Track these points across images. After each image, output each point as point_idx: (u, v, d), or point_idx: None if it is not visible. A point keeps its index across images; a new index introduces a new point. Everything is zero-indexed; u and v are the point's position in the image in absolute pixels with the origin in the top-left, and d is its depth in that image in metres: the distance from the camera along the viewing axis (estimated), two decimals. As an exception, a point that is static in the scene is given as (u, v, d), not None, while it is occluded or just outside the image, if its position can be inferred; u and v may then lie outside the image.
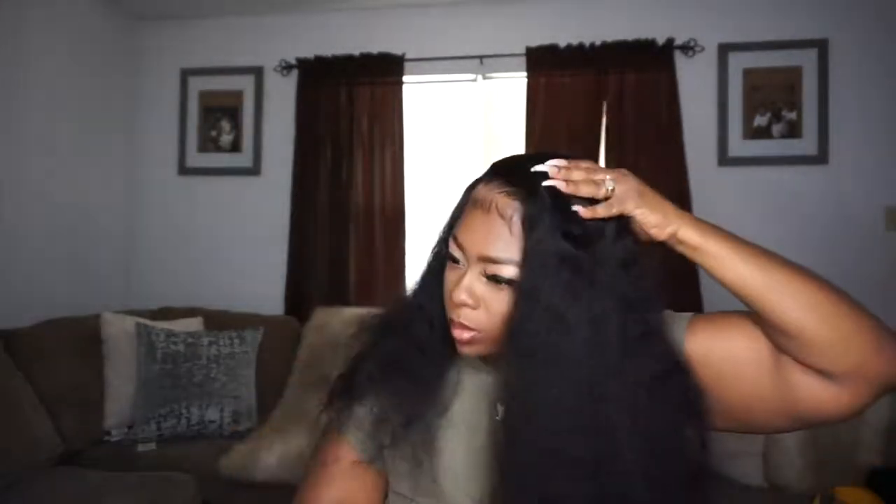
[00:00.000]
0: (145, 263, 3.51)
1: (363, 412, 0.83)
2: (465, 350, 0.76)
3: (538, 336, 0.67)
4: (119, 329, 2.77)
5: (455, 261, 0.75)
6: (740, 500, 2.21)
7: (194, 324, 2.99)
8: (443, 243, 0.81)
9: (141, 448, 2.55)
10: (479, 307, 0.73)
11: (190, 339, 2.77)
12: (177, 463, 2.41)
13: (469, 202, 0.76)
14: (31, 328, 2.60)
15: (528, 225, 0.69)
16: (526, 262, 0.69)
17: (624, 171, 0.71)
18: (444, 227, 0.82)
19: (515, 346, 0.69)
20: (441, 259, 0.80)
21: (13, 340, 2.48)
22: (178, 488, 2.24)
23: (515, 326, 0.70)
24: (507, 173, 0.73)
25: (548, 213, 0.69)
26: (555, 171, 0.70)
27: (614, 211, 0.69)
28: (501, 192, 0.72)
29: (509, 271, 0.70)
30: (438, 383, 0.82)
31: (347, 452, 0.84)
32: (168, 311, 3.13)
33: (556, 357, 0.67)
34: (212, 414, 2.68)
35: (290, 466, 2.34)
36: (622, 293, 0.68)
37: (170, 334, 2.76)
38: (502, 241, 0.70)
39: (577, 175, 0.69)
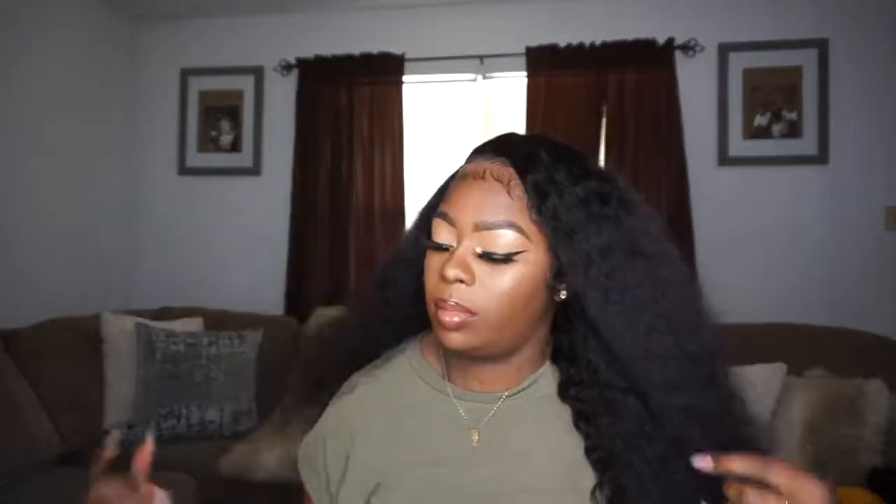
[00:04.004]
0: (145, 263, 3.51)
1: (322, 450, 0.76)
2: (454, 339, 0.66)
3: (608, 278, 0.65)
4: (119, 329, 2.77)
5: (440, 248, 0.68)
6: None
7: (194, 324, 2.99)
8: (417, 235, 0.75)
9: (141, 448, 2.54)
10: (474, 284, 0.65)
11: (190, 339, 2.76)
12: (177, 463, 2.40)
13: (455, 180, 0.71)
14: (31, 328, 2.60)
15: (539, 190, 0.65)
16: (556, 225, 0.65)
17: (812, 488, 0.56)
18: (417, 223, 0.77)
19: (590, 299, 0.65)
20: (414, 257, 0.74)
21: (13, 340, 2.48)
22: (178, 488, 2.24)
23: (580, 286, 0.65)
24: (494, 147, 0.70)
25: (555, 173, 0.66)
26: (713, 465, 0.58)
27: None
28: (494, 162, 0.68)
29: (507, 239, 0.65)
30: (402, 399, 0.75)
31: None
32: (168, 311, 3.12)
33: (623, 286, 0.65)
34: (212, 414, 2.68)
35: (290, 466, 2.33)
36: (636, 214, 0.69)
37: (170, 334, 2.76)
38: (499, 204, 0.65)
39: (738, 467, 0.57)
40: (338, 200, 3.21)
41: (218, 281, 3.39)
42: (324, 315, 2.84)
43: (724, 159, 2.94)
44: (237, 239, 3.42)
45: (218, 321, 3.02)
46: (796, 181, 2.88)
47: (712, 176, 2.95)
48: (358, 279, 3.21)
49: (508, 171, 0.66)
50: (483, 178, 0.67)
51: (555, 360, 0.76)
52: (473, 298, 0.65)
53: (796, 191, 2.88)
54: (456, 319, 0.65)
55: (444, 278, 0.66)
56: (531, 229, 0.65)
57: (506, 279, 0.65)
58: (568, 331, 0.73)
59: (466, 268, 0.65)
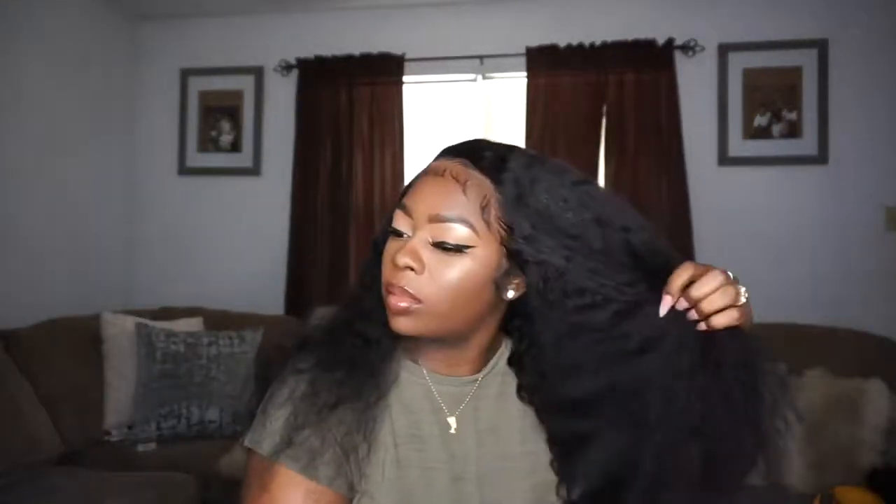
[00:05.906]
0: (145, 263, 3.51)
1: (320, 438, 0.70)
2: (400, 323, 0.69)
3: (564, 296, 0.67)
4: (119, 329, 2.77)
5: (398, 234, 0.72)
6: (740, 500, 2.21)
7: (194, 324, 2.99)
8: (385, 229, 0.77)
9: (141, 448, 2.55)
10: (423, 273, 0.68)
11: (190, 339, 2.77)
12: (177, 463, 2.41)
13: (418, 176, 0.76)
14: (31, 328, 2.60)
15: (509, 198, 0.68)
16: (510, 232, 0.68)
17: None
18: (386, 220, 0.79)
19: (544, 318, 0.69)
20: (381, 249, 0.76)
21: (13, 340, 2.48)
22: (178, 488, 2.24)
23: (535, 299, 0.69)
24: (460, 149, 0.74)
25: (520, 183, 0.68)
26: (676, 291, 0.64)
27: (735, 322, 0.64)
28: (455, 161, 0.72)
29: (459, 233, 0.68)
30: (377, 393, 0.74)
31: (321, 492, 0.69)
32: (168, 311, 3.12)
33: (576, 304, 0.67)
34: (212, 414, 2.68)
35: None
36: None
37: (170, 334, 2.76)
38: (454, 200, 0.69)
39: (707, 288, 0.63)
40: (338, 200, 3.21)
41: (218, 281, 3.38)
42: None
43: (724, 159, 2.94)
44: (237, 239, 3.42)
45: (218, 321, 3.02)
46: (796, 181, 2.88)
47: (712, 176, 2.95)
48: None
49: (467, 172, 0.70)
50: (442, 175, 0.71)
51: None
52: (420, 287, 0.68)
53: (796, 191, 2.88)
54: (402, 304, 0.69)
55: (395, 265, 0.69)
56: (482, 228, 0.68)
57: (454, 272, 0.68)
58: (521, 313, 0.77)
59: (417, 257, 0.69)
